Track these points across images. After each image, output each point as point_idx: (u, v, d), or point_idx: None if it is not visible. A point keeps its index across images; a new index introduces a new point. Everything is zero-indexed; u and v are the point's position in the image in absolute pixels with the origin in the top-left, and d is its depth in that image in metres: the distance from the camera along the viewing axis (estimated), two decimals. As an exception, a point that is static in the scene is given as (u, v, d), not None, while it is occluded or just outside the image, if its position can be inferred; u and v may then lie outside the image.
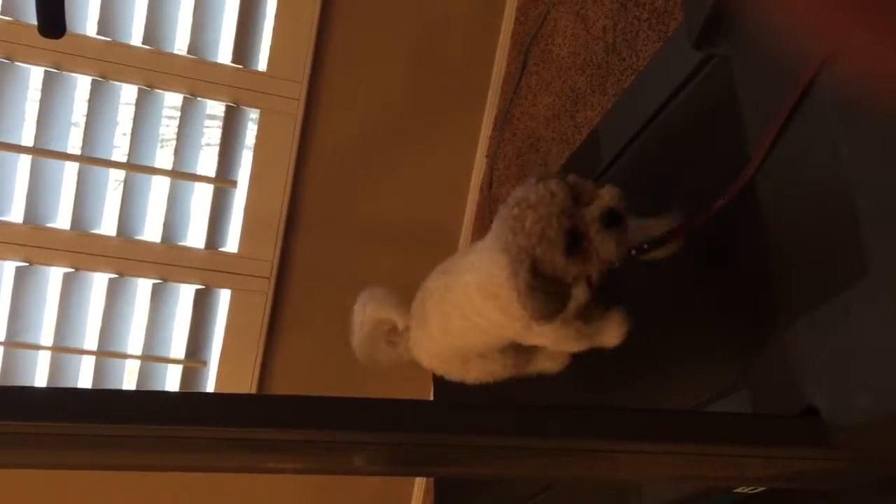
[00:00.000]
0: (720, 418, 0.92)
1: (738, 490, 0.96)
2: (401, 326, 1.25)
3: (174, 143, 2.32)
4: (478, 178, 2.53)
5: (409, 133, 2.52)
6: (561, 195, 0.93)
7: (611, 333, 1.09)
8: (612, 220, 0.93)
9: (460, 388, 1.28)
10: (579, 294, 1.07)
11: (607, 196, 0.95)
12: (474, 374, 1.24)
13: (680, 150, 1.19)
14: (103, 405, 0.72)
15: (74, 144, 2.27)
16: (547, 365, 1.23)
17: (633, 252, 1.03)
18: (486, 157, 2.51)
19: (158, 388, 2.34)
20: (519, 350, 1.21)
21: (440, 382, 1.33)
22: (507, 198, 0.99)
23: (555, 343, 1.14)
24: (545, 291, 0.95)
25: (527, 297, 0.95)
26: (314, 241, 2.45)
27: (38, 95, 2.23)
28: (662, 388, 1.12)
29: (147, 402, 0.76)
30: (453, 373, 1.25)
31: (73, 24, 2.16)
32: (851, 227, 0.80)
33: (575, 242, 0.94)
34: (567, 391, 1.33)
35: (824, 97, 0.85)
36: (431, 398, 1.84)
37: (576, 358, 1.28)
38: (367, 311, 1.27)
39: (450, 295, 1.14)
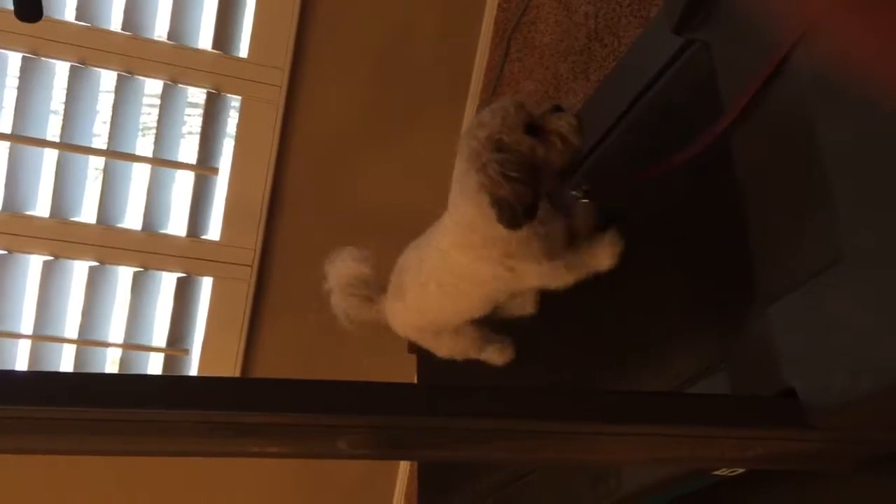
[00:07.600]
0: (699, 400, 0.93)
1: (718, 472, 0.97)
2: (371, 279, 1.29)
3: (155, 130, 2.31)
4: (460, 166, 2.53)
5: (393, 120, 2.51)
6: (511, 104, 1.03)
7: (602, 256, 1.09)
8: (560, 109, 1.03)
9: (443, 370, 1.29)
10: (559, 228, 1.09)
11: (549, 102, 1.05)
12: (445, 349, 1.28)
13: (660, 136, 1.20)
14: (84, 389, 0.72)
15: (53, 132, 2.24)
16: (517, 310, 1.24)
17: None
18: (469, 144, 2.51)
19: (140, 376, 2.34)
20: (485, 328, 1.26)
21: (423, 365, 1.33)
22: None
23: (547, 278, 1.11)
24: (514, 179, 0.98)
25: (499, 184, 0.98)
26: (296, 228, 2.44)
27: (15, 82, 2.21)
28: (641, 369, 1.13)
29: (129, 386, 0.75)
30: (427, 343, 1.30)
31: (50, 9, 2.14)
32: (828, 209, 0.81)
33: (534, 131, 1.01)
34: (546, 373, 1.33)
35: (801, 74, 0.86)
36: (415, 381, 1.84)
37: (555, 338, 1.28)
38: (338, 268, 1.30)
39: (425, 266, 1.17)
